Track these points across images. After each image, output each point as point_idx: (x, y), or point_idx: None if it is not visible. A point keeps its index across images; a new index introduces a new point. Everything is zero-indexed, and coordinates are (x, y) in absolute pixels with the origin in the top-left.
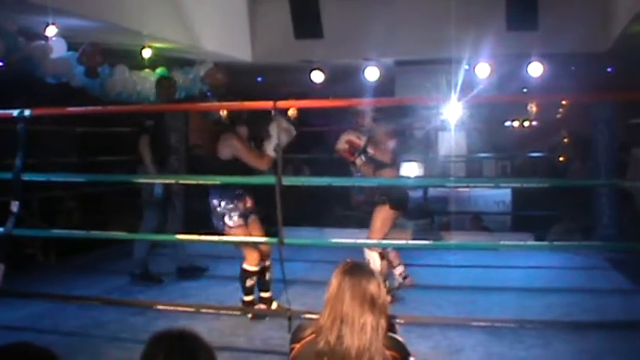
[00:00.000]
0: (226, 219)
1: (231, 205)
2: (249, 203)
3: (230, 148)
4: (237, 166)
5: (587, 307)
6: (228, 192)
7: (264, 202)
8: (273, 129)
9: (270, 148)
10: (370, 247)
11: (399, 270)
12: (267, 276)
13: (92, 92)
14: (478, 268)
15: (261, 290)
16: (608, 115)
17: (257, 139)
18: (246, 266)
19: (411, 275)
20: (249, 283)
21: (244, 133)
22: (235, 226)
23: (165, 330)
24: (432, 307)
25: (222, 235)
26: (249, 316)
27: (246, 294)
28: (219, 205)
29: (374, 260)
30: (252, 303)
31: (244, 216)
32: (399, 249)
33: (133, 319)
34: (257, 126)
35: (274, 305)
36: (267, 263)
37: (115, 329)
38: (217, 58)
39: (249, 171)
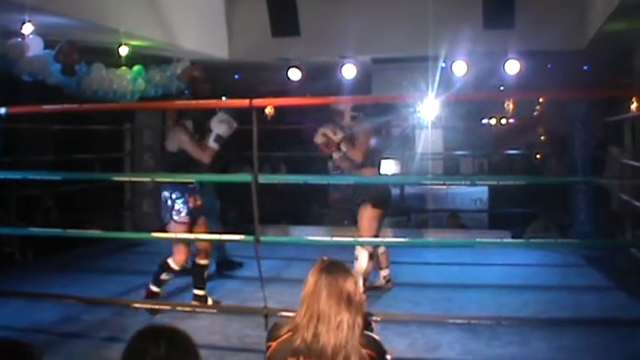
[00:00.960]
0: (174, 212)
1: (181, 199)
2: (199, 201)
3: (176, 141)
4: (183, 158)
5: (563, 304)
6: (181, 185)
7: (239, 200)
8: (214, 123)
9: (211, 141)
10: (362, 245)
11: (384, 272)
12: (205, 275)
13: (68, 90)
14: (455, 266)
15: (196, 288)
16: (585, 113)
17: (202, 131)
18: (170, 262)
19: (393, 279)
20: (164, 276)
21: (189, 126)
22: (181, 222)
23: (157, 325)
24: (409, 304)
25: (165, 227)
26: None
27: (155, 284)
28: (170, 197)
29: (363, 258)
30: (156, 294)
31: (192, 214)
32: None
33: (111, 317)
34: (204, 119)
35: (209, 301)
36: (206, 262)
37: (93, 328)
38: (194, 55)
39: (195, 163)
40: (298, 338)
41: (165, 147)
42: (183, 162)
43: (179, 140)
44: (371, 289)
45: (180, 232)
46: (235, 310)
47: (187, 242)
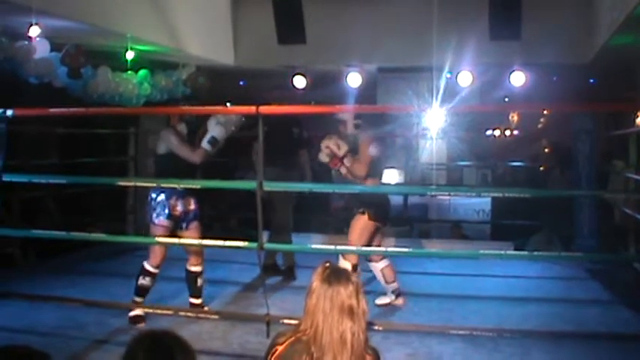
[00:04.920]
0: (154, 214)
1: (164, 202)
2: (192, 205)
3: (165, 143)
4: (170, 161)
5: (565, 317)
6: (167, 188)
7: (245, 206)
8: (211, 124)
9: (205, 142)
10: (345, 256)
11: (392, 286)
12: (199, 282)
13: (74, 93)
14: (457, 277)
15: (191, 296)
16: (590, 126)
17: (195, 136)
18: (145, 264)
19: (403, 296)
20: (142, 280)
21: (182, 129)
22: (158, 225)
23: (148, 330)
24: (410, 314)
25: (148, 229)
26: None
27: (136, 293)
28: (155, 199)
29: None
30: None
31: (172, 219)
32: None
33: (113, 320)
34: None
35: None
36: (199, 269)
37: (94, 331)
38: (200, 61)
39: (187, 165)
40: (302, 346)
41: (156, 149)
42: (170, 165)
43: (167, 142)
44: (381, 306)
45: (158, 235)
46: (237, 316)
47: (164, 245)
